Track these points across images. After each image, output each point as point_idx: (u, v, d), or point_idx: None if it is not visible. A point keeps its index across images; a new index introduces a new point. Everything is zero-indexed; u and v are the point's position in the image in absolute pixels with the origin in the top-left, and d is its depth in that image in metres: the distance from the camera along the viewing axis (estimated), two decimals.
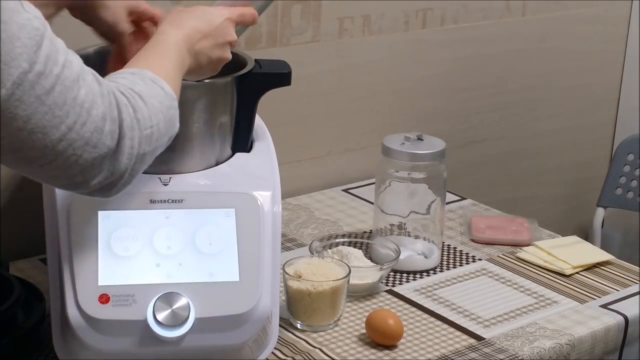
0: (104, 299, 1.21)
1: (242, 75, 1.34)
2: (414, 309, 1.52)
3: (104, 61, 1.35)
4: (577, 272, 1.67)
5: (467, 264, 1.69)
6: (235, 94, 1.35)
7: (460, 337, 1.45)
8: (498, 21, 2.21)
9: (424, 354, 1.39)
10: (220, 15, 1.22)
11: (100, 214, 1.25)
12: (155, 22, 1.32)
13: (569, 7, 2.33)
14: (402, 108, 2.12)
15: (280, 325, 1.38)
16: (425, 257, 1.65)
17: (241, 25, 1.28)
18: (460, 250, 1.74)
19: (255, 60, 1.39)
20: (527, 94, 2.33)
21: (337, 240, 1.64)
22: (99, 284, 1.21)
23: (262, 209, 1.29)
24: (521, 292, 1.60)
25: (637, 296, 1.59)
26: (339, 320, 1.46)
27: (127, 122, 1.02)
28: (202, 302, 1.22)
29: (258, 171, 1.35)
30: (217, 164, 1.35)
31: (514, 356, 1.40)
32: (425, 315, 1.50)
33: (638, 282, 1.64)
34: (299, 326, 1.44)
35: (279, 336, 1.36)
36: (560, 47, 2.34)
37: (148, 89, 1.07)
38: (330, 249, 1.61)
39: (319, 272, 1.44)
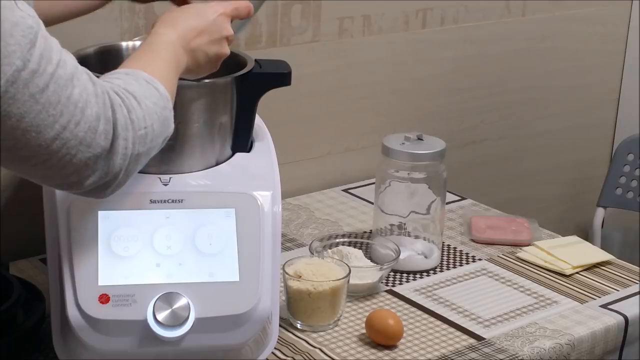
0: (104, 299, 1.21)
1: (242, 75, 1.34)
2: (414, 309, 1.52)
3: (103, 61, 1.35)
4: (577, 272, 1.67)
5: (467, 264, 1.69)
6: (235, 94, 1.35)
7: (460, 337, 1.45)
8: (498, 21, 2.21)
9: (424, 354, 1.39)
10: (214, 11, 1.22)
11: (100, 214, 1.25)
12: None
13: (569, 7, 2.33)
14: (402, 108, 2.12)
15: (280, 325, 1.38)
16: (425, 257, 1.65)
17: (237, 19, 1.28)
18: (460, 250, 1.74)
19: (255, 60, 1.39)
20: (527, 94, 2.33)
21: (337, 240, 1.64)
22: (99, 284, 1.21)
23: (262, 209, 1.29)
24: (521, 292, 1.60)
25: (637, 296, 1.59)
26: (339, 320, 1.46)
27: (121, 122, 1.02)
28: (202, 302, 1.22)
29: (258, 171, 1.35)
30: (217, 164, 1.35)
31: (514, 356, 1.40)
32: (425, 315, 1.50)
33: (638, 282, 1.64)
34: (299, 326, 1.44)
35: (279, 336, 1.36)
36: (560, 47, 2.34)
37: (142, 90, 1.07)
38: (330, 249, 1.61)
39: (319, 272, 1.44)
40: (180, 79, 1.21)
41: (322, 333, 1.43)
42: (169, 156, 1.23)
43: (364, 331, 1.43)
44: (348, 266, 1.47)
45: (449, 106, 2.20)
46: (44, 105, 0.94)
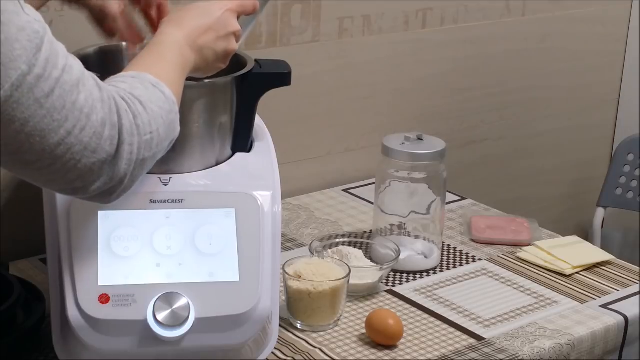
0: (104, 299, 1.21)
1: (242, 75, 1.34)
2: (414, 309, 1.52)
3: (104, 61, 1.35)
4: (577, 272, 1.67)
5: (467, 264, 1.69)
6: (235, 94, 1.35)
7: (460, 337, 1.45)
8: (498, 21, 2.21)
9: (424, 354, 1.39)
10: (219, 7, 1.22)
11: (100, 214, 1.25)
12: (161, 11, 1.32)
13: (569, 7, 2.33)
14: (402, 108, 2.12)
15: (280, 325, 1.38)
16: (425, 257, 1.65)
17: (243, 15, 1.28)
18: (460, 250, 1.74)
19: (255, 60, 1.39)
20: (527, 94, 2.33)
21: (337, 240, 1.64)
22: (99, 284, 1.21)
23: (262, 209, 1.29)
24: (521, 292, 1.60)
25: (637, 296, 1.59)
26: (339, 320, 1.46)
27: (127, 128, 1.02)
28: (202, 302, 1.22)
29: (258, 171, 1.35)
30: (217, 164, 1.35)
31: (514, 356, 1.40)
32: (425, 315, 1.50)
33: (638, 282, 1.64)
34: (299, 326, 1.44)
35: (279, 336, 1.36)
36: (560, 47, 2.34)
37: (148, 94, 1.06)
38: (330, 249, 1.61)
39: (319, 272, 1.44)
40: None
41: (322, 333, 1.43)
42: (169, 156, 1.23)
43: (364, 331, 1.43)
44: (348, 266, 1.47)
45: (449, 106, 2.20)
46: (48, 110, 0.94)
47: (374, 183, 1.70)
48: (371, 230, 1.73)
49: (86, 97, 0.97)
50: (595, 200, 2.35)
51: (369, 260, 1.61)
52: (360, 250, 1.61)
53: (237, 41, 1.25)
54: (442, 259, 1.69)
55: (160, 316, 1.20)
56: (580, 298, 1.58)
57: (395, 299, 1.55)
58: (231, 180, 1.33)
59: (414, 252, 1.65)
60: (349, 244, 1.64)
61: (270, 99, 1.41)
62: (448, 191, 1.80)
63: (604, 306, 1.55)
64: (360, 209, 1.90)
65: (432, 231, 1.66)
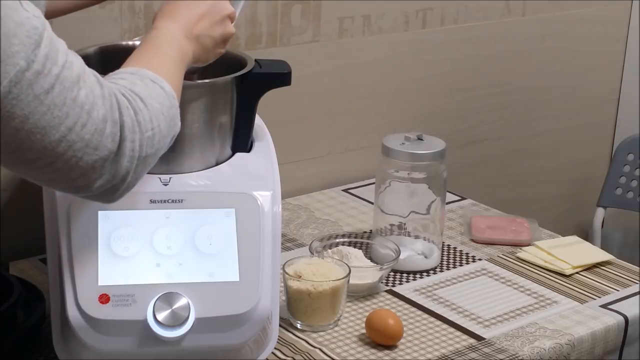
0: (104, 299, 1.21)
1: (242, 75, 1.34)
2: (414, 309, 1.52)
3: (104, 61, 1.35)
4: (577, 272, 1.67)
5: (467, 264, 1.69)
6: (235, 94, 1.35)
7: (460, 337, 1.45)
8: (498, 21, 2.21)
9: (424, 354, 1.39)
10: None
11: (100, 214, 1.25)
12: None
13: (569, 7, 2.33)
14: (402, 108, 2.12)
15: (280, 325, 1.38)
16: (425, 257, 1.65)
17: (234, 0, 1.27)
18: (460, 250, 1.74)
19: (255, 60, 1.39)
20: (527, 94, 2.33)
21: (337, 240, 1.64)
22: (99, 284, 1.21)
23: (262, 209, 1.29)
24: (521, 292, 1.60)
25: (637, 296, 1.59)
26: (339, 320, 1.46)
27: (128, 125, 1.01)
28: (202, 302, 1.22)
29: (258, 171, 1.35)
30: (217, 164, 1.35)
31: (514, 356, 1.40)
32: (425, 315, 1.50)
33: (638, 282, 1.64)
34: (299, 326, 1.44)
35: (279, 336, 1.36)
36: (560, 47, 2.34)
37: (148, 90, 1.06)
38: (330, 249, 1.61)
39: (319, 272, 1.44)
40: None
41: (322, 333, 1.43)
42: (168, 156, 1.23)
43: (364, 331, 1.43)
44: (348, 266, 1.47)
45: (449, 106, 2.20)
46: (49, 106, 0.93)
47: (374, 183, 1.70)
48: (371, 230, 1.73)
49: (87, 93, 0.97)
50: (595, 200, 2.35)
51: (369, 260, 1.61)
52: (360, 250, 1.61)
53: (233, 20, 1.24)
54: (442, 259, 1.69)
55: (160, 316, 1.20)
56: (580, 298, 1.58)
57: (395, 299, 1.55)
58: (231, 180, 1.33)
59: (414, 252, 1.65)
60: (349, 244, 1.64)
61: (270, 99, 1.41)
62: (448, 191, 1.80)
63: (604, 306, 1.55)
64: (360, 209, 1.90)
65: (432, 231, 1.66)
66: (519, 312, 1.53)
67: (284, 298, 1.45)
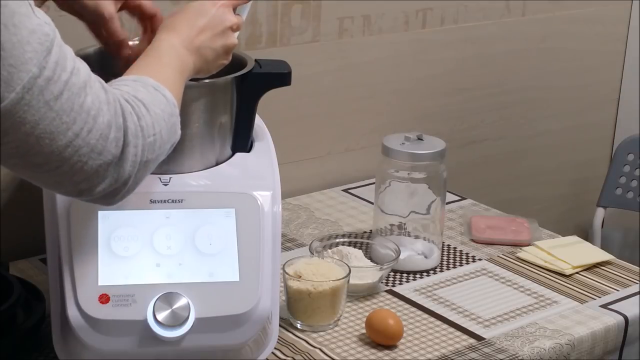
0: (104, 299, 1.21)
1: (242, 75, 1.34)
2: (414, 309, 1.52)
3: (104, 61, 1.35)
4: (577, 272, 1.67)
5: (467, 264, 1.69)
6: (235, 94, 1.35)
7: (460, 337, 1.45)
8: (498, 21, 2.21)
9: (424, 354, 1.39)
10: (212, 4, 1.22)
11: (100, 214, 1.25)
12: (153, 20, 1.31)
13: (569, 7, 2.33)
14: (402, 108, 2.12)
15: (280, 325, 1.38)
16: (425, 257, 1.65)
17: (240, 6, 1.27)
18: (460, 250, 1.74)
19: (255, 60, 1.39)
20: (527, 94, 2.33)
21: (337, 240, 1.64)
22: (99, 284, 1.21)
23: (262, 209, 1.29)
24: (521, 292, 1.60)
25: (637, 296, 1.59)
26: (339, 320, 1.46)
27: (132, 130, 1.03)
28: (202, 302, 1.22)
29: (258, 171, 1.35)
30: (217, 164, 1.35)
31: (514, 356, 1.40)
32: (425, 315, 1.50)
33: (638, 282, 1.64)
34: (299, 326, 1.44)
35: (279, 336, 1.36)
36: (560, 47, 2.34)
37: (150, 97, 1.07)
38: (330, 249, 1.61)
39: (319, 272, 1.44)
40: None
41: (322, 333, 1.43)
42: (169, 156, 1.23)
43: (364, 331, 1.43)
44: (348, 266, 1.47)
45: (449, 106, 2.20)
46: (57, 112, 0.95)
47: (374, 183, 1.70)
48: (371, 230, 1.73)
49: (93, 99, 0.98)
50: (595, 200, 2.35)
51: (369, 260, 1.61)
52: (360, 250, 1.61)
53: (237, 30, 1.25)
54: (442, 259, 1.69)
55: (160, 316, 1.20)
56: (580, 298, 1.58)
57: (395, 299, 1.55)
58: (231, 180, 1.33)
59: (414, 252, 1.65)
60: (349, 244, 1.64)
61: (270, 99, 1.41)
62: (448, 191, 1.80)
63: (604, 306, 1.55)
64: (360, 209, 1.90)
65: (432, 231, 1.66)
66: (519, 312, 1.53)
67: (284, 298, 1.45)
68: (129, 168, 1.04)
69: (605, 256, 1.72)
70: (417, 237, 1.66)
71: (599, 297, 1.58)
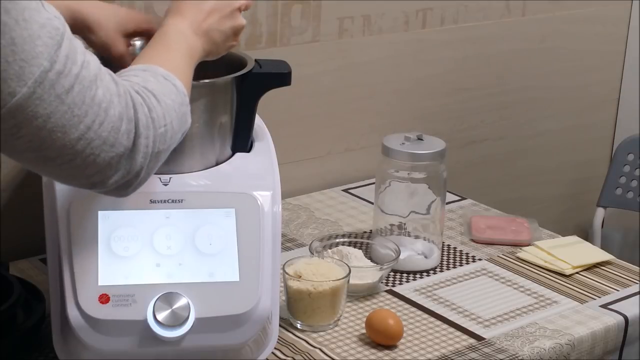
0: (104, 299, 1.21)
1: (242, 75, 1.34)
2: (414, 309, 1.52)
3: (104, 61, 1.35)
4: (577, 272, 1.67)
5: (467, 264, 1.69)
6: (235, 94, 1.35)
7: (460, 337, 1.45)
8: (498, 21, 2.21)
9: (424, 354, 1.39)
10: None
11: (100, 214, 1.25)
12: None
13: (569, 7, 2.33)
14: (402, 108, 2.12)
15: (280, 325, 1.38)
16: (425, 257, 1.65)
17: None
18: (460, 250, 1.74)
19: (255, 60, 1.39)
20: (527, 94, 2.33)
21: (337, 240, 1.64)
22: (99, 284, 1.21)
23: (262, 209, 1.29)
24: (521, 292, 1.60)
25: (637, 296, 1.59)
26: (339, 320, 1.46)
27: (143, 121, 1.03)
28: (202, 302, 1.22)
29: (258, 171, 1.35)
30: (217, 164, 1.35)
31: (514, 356, 1.40)
32: (425, 315, 1.50)
33: (638, 282, 1.64)
34: (299, 326, 1.44)
35: (279, 336, 1.36)
36: (560, 47, 2.34)
37: (160, 87, 1.07)
38: (330, 249, 1.61)
39: (319, 272, 1.44)
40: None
41: (322, 333, 1.43)
42: (169, 156, 1.23)
43: (364, 331, 1.43)
44: (348, 266, 1.47)
45: (449, 106, 2.20)
46: (69, 105, 0.95)
47: (374, 183, 1.70)
48: (371, 230, 1.73)
49: (104, 92, 0.98)
50: (595, 200, 2.35)
51: (369, 260, 1.61)
52: (360, 250, 1.61)
53: (246, 9, 1.24)
54: (442, 259, 1.69)
55: (160, 316, 1.20)
56: (580, 298, 1.58)
57: (395, 299, 1.55)
58: (231, 180, 1.33)
59: (414, 252, 1.65)
60: (349, 244, 1.64)
61: (270, 99, 1.41)
62: (448, 191, 1.80)
63: (604, 306, 1.55)
64: (360, 209, 1.90)
65: (432, 231, 1.66)
66: (519, 312, 1.53)
67: (284, 298, 1.45)
68: (140, 159, 1.04)
69: (605, 256, 1.72)
70: (417, 237, 1.66)
71: (599, 297, 1.58)
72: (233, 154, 1.38)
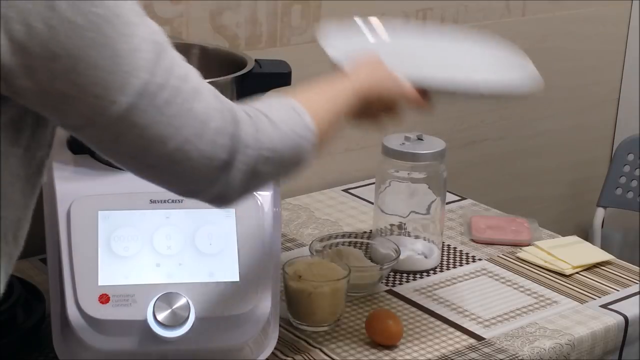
0: (104, 299, 1.21)
1: (242, 75, 1.34)
2: (414, 309, 1.52)
3: None
4: (577, 272, 1.67)
5: (467, 264, 1.69)
6: (235, 94, 1.35)
7: (460, 337, 1.45)
8: (498, 21, 2.21)
9: (424, 354, 1.39)
10: (401, 95, 1.31)
11: (100, 214, 1.25)
12: None
13: (569, 7, 2.33)
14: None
15: (280, 325, 1.38)
16: (425, 257, 1.65)
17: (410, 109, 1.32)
18: (460, 250, 1.74)
19: (255, 60, 1.39)
20: None
21: (337, 240, 1.64)
22: (99, 284, 1.21)
23: (262, 209, 1.29)
24: (521, 292, 1.59)
25: (637, 296, 1.59)
26: (339, 320, 1.46)
27: (244, 139, 1.02)
28: (202, 302, 1.22)
29: None
30: None
31: (514, 356, 1.40)
32: (425, 315, 1.50)
33: (638, 282, 1.64)
34: (299, 326, 1.44)
35: (279, 336, 1.36)
36: (560, 47, 2.34)
37: (281, 114, 1.07)
38: (330, 249, 1.61)
39: (319, 272, 1.44)
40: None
41: (322, 333, 1.43)
42: None
43: (364, 331, 1.43)
44: (348, 266, 1.47)
45: (449, 106, 2.20)
46: (168, 117, 0.96)
47: (374, 183, 1.70)
48: (371, 230, 1.73)
49: (203, 105, 0.99)
50: (595, 200, 2.35)
51: (369, 260, 1.61)
52: (360, 250, 1.61)
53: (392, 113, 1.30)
54: (442, 259, 1.69)
55: (160, 316, 1.20)
56: (580, 298, 1.58)
57: (395, 299, 1.55)
58: None
59: (414, 252, 1.65)
60: (349, 244, 1.64)
61: None
62: (448, 191, 1.79)
63: (604, 306, 1.55)
64: (360, 209, 1.90)
65: (432, 231, 1.66)
66: (519, 312, 1.53)
67: (284, 298, 1.45)
68: (239, 175, 1.03)
69: (605, 256, 1.72)
70: (417, 237, 1.66)
71: (599, 297, 1.58)
72: None
